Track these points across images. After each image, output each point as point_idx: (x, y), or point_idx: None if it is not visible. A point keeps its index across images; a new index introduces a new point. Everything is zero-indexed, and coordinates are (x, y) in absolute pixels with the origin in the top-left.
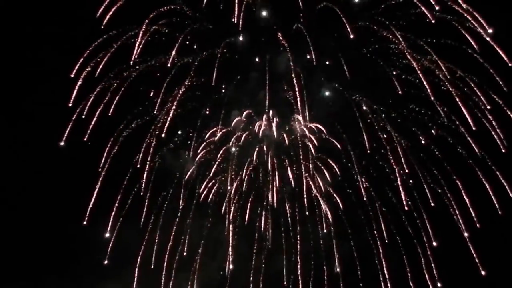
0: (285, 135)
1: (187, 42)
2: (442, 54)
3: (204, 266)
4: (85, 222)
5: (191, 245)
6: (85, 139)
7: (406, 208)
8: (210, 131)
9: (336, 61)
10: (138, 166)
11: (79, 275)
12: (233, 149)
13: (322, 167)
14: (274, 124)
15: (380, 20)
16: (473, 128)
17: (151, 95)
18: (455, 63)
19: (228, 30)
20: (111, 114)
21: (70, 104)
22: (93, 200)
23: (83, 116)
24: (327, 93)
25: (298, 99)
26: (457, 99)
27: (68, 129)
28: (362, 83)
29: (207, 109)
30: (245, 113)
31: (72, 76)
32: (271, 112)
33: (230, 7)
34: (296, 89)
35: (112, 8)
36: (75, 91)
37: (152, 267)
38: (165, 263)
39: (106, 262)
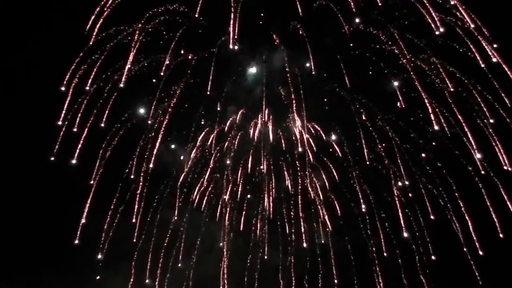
0: (281, 137)
1: (183, 47)
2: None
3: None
4: (76, 241)
5: (187, 247)
6: (74, 161)
7: (403, 224)
8: (205, 131)
9: (335, 62)
10: (132, 176)
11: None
12: (228, 161)
13: (320, 168)
14: (270, 125)
15: (380, 21)
16: (475, 148)
17: (145, 100)
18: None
19: (225, 28)
20: (103, 125)
21: (60, 122)
22: (85, 215)
23: (75, 129)
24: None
25: (295, 99)
26: (457, 112)
27: (57, 144)
28: (362, 86)
29: (201, 110)
30: (240, 112)
31: (62, 89)
32: (267, 111)
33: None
34: (292, 89)
35: (99, 19)
36: (65, 105)
37: (147, 281)
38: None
39: (98, 277)
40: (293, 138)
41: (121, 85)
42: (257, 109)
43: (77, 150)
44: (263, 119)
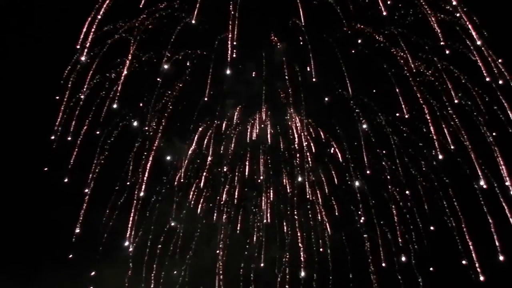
0: (280, 135)
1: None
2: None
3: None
4: (70, 256)
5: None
6: (66, 179)
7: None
8: (203, 127)
9: (335, 64)
10: (128, 183)
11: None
12: (225, 160)
13: (318, 168)
14: (268, 123)
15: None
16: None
17: (141, 105)
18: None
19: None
20: (99, 132)
21: (53, 137)
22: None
23: (69, 138)
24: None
25: (294, 98)
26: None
27: (52, 154)
28: (363, 89)
29: (200, 106)
30: (238, 108)
31: (57, 98)
32: (265, 109)
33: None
34: (290, 88)
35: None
36: (60, 114)
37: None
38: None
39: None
40: (291, 137)
41: (114, 106)
42: (256, 106)
43: (71, 160)
44: (262, 117)
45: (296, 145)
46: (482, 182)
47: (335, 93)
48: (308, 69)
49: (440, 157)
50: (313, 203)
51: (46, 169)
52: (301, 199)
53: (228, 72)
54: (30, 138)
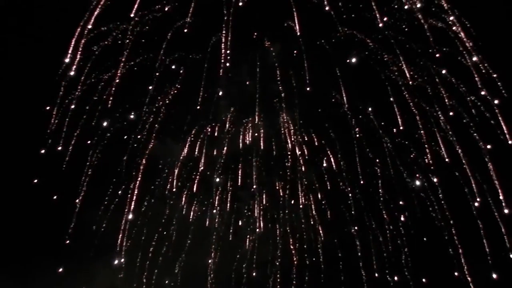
0: (273, 141)
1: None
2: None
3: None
4: (60, 270)
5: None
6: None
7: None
8: (196, 130)
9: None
10: (120, 192)
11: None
12: (217, 179)
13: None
14: (261, 128)
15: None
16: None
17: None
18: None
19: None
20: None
21: (43, 151)
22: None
23: (59, 148)
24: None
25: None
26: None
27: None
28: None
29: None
30: (232, 112)
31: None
32: (257, 115)
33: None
34: (284, 93)
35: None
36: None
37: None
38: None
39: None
40: (284, 142)
41: (105, 124)
42: (249, 109)
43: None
44: (255, 121)
45: (289, 150)
46: (476, 196)
47: (329, 99)
48: (302, 73)
49: (435, 180)
50: (305, 207)
51: (36, 181)
52: (293, 203)
53: (220, 93)
54: (28, 139)
